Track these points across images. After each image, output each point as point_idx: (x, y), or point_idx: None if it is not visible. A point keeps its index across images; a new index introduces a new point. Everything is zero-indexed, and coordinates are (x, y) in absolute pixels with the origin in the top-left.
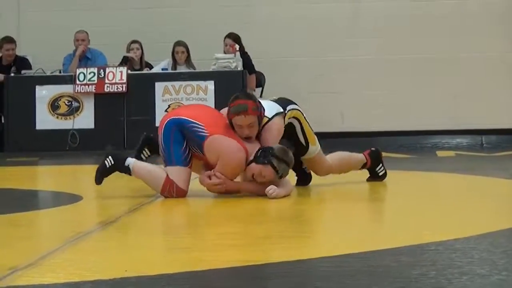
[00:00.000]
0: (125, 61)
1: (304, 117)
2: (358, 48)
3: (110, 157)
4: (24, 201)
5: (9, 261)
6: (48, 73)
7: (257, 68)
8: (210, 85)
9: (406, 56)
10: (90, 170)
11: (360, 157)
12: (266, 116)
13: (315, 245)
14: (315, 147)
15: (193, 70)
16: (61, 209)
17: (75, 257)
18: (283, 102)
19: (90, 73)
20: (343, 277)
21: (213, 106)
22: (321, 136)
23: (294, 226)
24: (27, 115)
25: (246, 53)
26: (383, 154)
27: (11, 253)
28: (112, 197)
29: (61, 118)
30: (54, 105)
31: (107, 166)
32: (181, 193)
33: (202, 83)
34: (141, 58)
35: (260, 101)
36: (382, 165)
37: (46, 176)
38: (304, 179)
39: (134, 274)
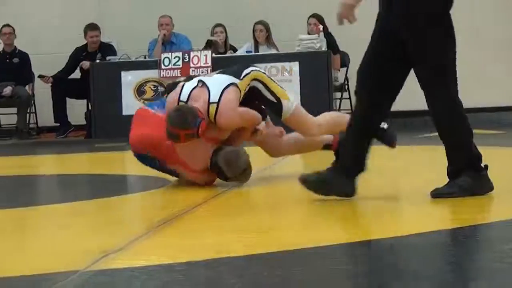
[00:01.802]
0: (209, 45)
1: (268, 76)
2: None
3: None
4: (113, 186)
5: (101, 245)
6: (133, 59)
7: (341, 48)
8: (295, 66)
9: (492, 31)
10: None
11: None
12: (213, 103)
13: (407, 222)
14: (288, 101)
15: (277, 52)
16: (150, 193)
17: (166, 239)
18: (239, 68)
19: (175, 57)
20: (434, 251)
21: (298, 87)
22: (410, 114)
23: (377, 204)
24: (113, 101)
25: (330, 33)
26: (477, 131)
27: (102, 237)
28: None
29: (147, 103)
30: (140, 90)
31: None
32: None
33: (287, 65)
34: (225, 41)
35: (207, 81)
36: None
37: (134, 161)
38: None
39: (226, 255)
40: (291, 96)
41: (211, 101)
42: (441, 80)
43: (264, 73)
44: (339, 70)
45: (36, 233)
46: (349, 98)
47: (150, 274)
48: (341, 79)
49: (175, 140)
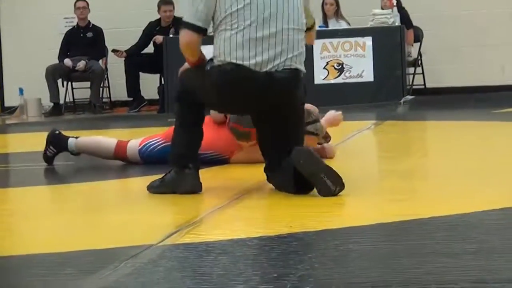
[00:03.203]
0: None
1: None
2: None
3: (50, 146)
4: None
5: (175, 220)
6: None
7: (414, 23)
8: (368, 41)
9: None
10: None
11: None
12: None
13: (476, 199)
14: None
15: (350, 27)
16: (223, 168)
17: (240, 214)
18: None
19: None
20: (508, 230)
21: (371, 62)
22: (481, 89)
23: (452, 182)
24: None
25: (404, 8)
26: None
27: (177, 211)
28: None
29: None
30: None
31: (49, 155)
32: None
33: (360, 40)
34: None
35: None
36: None
37: None
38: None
39: (299, 230)
40: None
41: None
42: None
43: None
44: (412, 45)
45: (111, 207)
46: (422, 73)
47: (223, 248)
48: (414, 54)
49: (245, 139)
